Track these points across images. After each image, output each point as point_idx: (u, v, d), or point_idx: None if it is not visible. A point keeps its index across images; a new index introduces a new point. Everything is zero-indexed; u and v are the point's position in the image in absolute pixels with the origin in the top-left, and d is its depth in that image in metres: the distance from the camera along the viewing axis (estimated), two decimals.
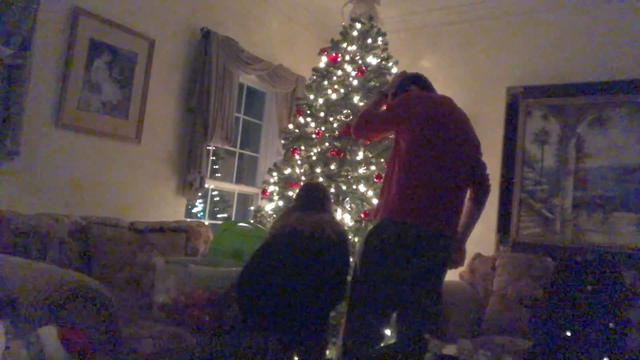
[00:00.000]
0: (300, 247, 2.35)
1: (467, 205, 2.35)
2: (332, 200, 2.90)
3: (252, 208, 4.20)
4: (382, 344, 2.24)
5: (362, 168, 3.30)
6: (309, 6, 4.49)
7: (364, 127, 2.42)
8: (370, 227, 2.26)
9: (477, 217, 2.40)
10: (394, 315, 2.26)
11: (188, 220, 3.60)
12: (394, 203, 2.16)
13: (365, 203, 3.20)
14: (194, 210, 4.91)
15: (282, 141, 3.75)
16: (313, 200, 2.62)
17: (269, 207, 3.54)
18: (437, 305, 2.23)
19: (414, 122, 2.20)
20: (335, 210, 3.16)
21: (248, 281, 2.34)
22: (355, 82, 3.49)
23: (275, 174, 3.60)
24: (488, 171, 2.42)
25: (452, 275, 3.81)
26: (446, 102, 2.36)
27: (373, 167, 3.26)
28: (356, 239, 3.03)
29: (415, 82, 2.46)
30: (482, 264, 3.66)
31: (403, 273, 2.12)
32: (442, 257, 2.21)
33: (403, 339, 2.22)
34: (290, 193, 3.43)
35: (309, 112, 3.58)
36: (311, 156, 3.50)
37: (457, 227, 2.28)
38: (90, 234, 2.65)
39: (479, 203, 2.37)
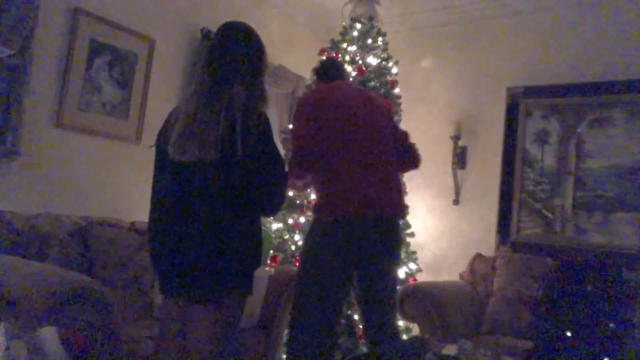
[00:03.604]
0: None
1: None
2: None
3: None
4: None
5: None
6: (309, 6, 4.48)
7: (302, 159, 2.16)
8: (316, 224, 2.22)
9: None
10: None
11: None
12: (336, 199, 2.15)
13: None
14: None
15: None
16: None
17: None
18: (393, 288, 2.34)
19: (322, 118, 2.22)
20: None
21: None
22: (355, 83, 3.48)
23: None
24: (414, 144, 2.42)
25: (452, 275, 3.85)
26: (339, 86, 2.40)
27: None
28: None
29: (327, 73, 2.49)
30: (482, 264, 3.66)
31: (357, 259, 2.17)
32: (393, 239, 2.27)
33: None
34: (290, 193, 3.42)
35: None
36: None
37: (402, 206, 2.32)
38: (90, 234, 2.65)
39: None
